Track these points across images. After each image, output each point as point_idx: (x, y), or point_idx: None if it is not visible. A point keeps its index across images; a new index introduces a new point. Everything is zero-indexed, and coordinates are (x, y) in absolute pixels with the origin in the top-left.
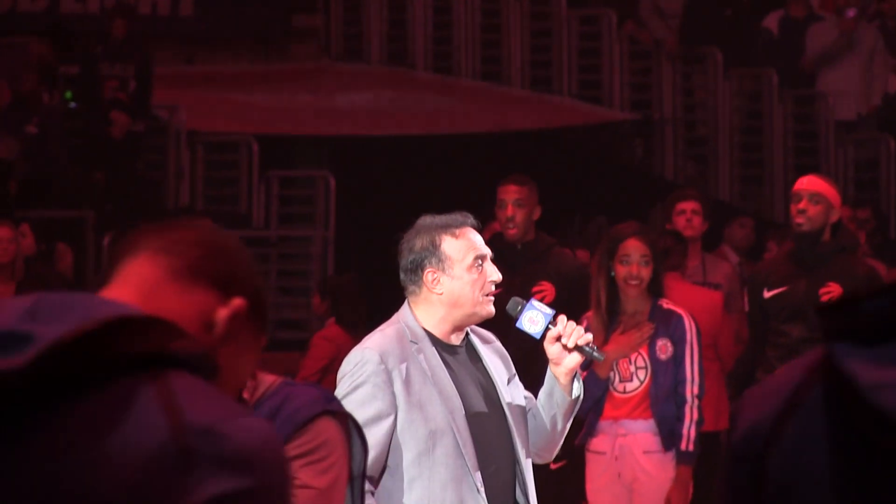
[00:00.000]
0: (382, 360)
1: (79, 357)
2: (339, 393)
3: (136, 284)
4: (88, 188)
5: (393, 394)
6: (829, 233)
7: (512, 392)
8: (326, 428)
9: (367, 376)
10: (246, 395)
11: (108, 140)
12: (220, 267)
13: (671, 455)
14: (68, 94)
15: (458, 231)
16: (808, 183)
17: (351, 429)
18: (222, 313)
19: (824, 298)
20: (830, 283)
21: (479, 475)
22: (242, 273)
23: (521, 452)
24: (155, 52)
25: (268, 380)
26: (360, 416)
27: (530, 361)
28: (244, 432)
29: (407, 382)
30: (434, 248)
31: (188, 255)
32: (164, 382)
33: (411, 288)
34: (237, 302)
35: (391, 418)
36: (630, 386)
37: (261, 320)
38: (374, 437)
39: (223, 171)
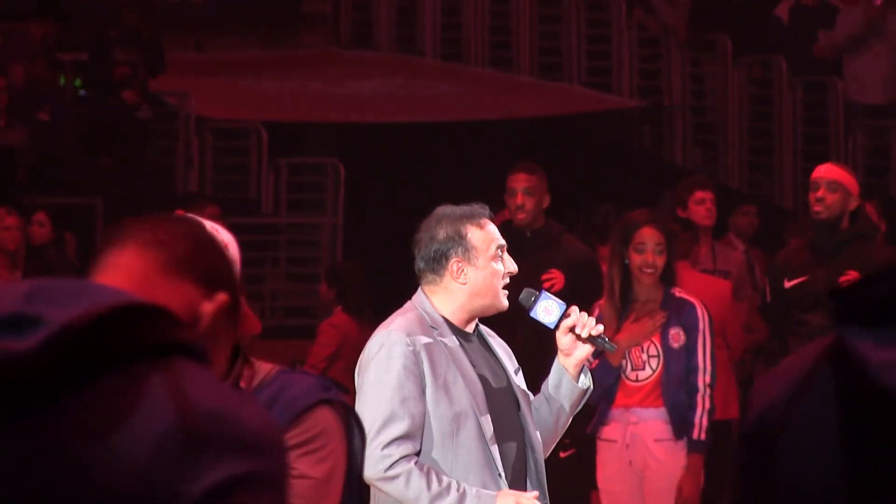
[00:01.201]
0: (410, 342)
1: (88, 342)
2: (370, 375)
3: (126, 275)
4: (97, 175)
5: (422, 374)
6: (847, 220)
7: (519, 382)
8: (324, 417)
9: (396, 357)
10: (243, 384)
11: (116, 124)
12: (206, 262)
13: (682, 443)
14: (78, 82)
15: (481, 222)
16: (825, 171)
17: (349, 418)
18: (208, 308)
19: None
20: (850, 271)
21: (500, 459)
22: (225, 270)
23: (534, 439)
24: (165, 38)
25: (265, 368)
26: (397, 396)
27: (537, 355)
28: (252, 417)
29: (432, 365)
30: (460, 238)
31: (175, 249)
32: (172, 369)
33: (431, 277)
34: (221, 297)
35: (424, 397)
36: (642, 374)
37: (237, 318)
38: (416, 410)
39: (232, 157)
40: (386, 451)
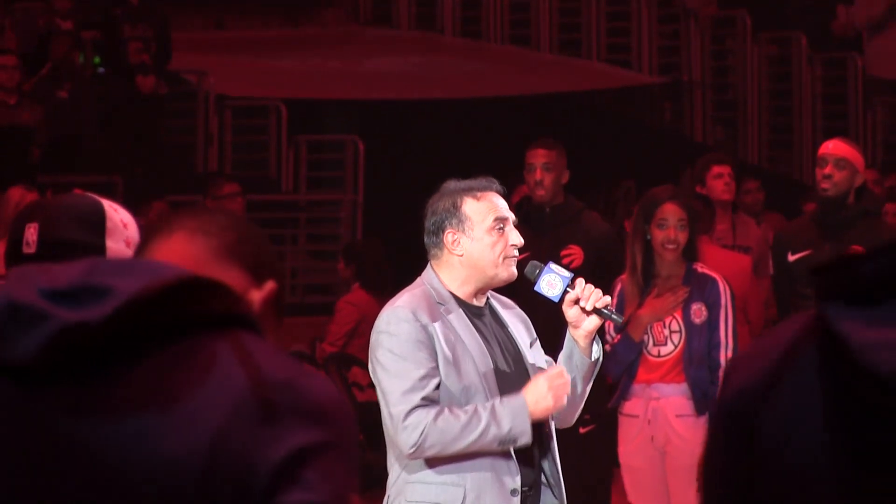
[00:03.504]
0: (416, 318)
1: (157, 312)
2: (383, 352)
3: (178, 260)
4: (117, 153)
5: (434, 348)
6: (853, 196)
7: (534, 355)
8: None
9: (407, 332)
10: None
11: (134, 103)
12: (253, 251)
13: (704, 419)
14: (97, 60)
15: (480, 194)
16: (833, 147)
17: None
18: (257, 294)
19: None
20: (855, 247)
21: None
22: (271, 259)
23: None
24: (183, 16)
25: None
26: (417, 371)
27: (557, 329)
28: (321, 387)
29: (440, 340)
30: (455, 210)
31: (223, 237)
32: (237, 339)
33: (434, 251)
34: (271, 285)
35: (438, 367)
36: (664, 350)
37: (281, 307)
38: (432, 381)
39: (252, 135)
40: (407, 422)
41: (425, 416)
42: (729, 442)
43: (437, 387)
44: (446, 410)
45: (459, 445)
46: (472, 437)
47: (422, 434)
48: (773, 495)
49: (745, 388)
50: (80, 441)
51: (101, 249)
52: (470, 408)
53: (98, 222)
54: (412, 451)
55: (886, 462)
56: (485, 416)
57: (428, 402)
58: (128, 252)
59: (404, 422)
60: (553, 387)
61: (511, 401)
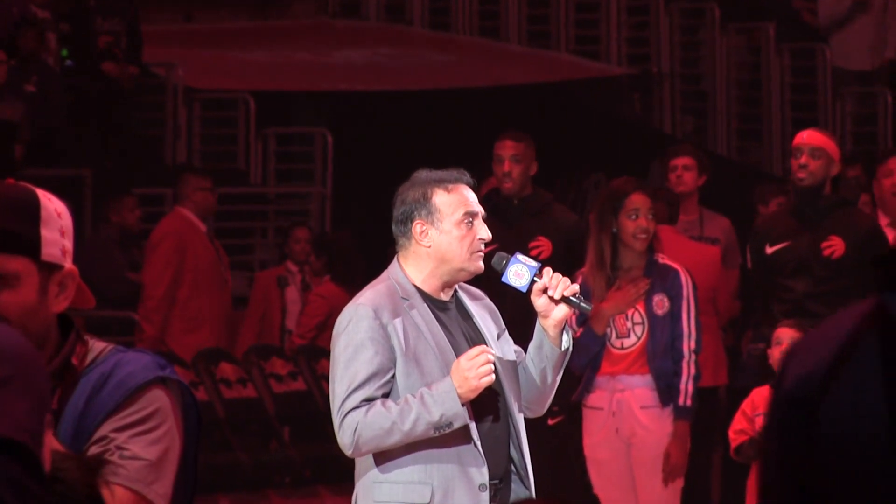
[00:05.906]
0: (377, 315)
1: None
2: (338, 350)
3: None
4: (85, 147)
5: (391, 347)
6: (829, 186)
7: (502, 348)
8: (157, 396)
9: (364, 332)
10: (75, 362)
11: (103, 95)
12: None
13: (668, 410)
14: (64, 52)
15: (451, 186)
16: (808, 137)
17: (185, 397)
18: None
19: (826, 252)
20: (832, 237)
21: (474, 428)
22: None
23: (514, 407)
24: (152, 9)
25: (98, 346)
26: (364, 371)
27: (527, 321)
28: None
29: (401, 337)
30: (425, 201)
31: None
32: None
33: (402, 241)
34: None
35: (392, 372)
36: (627, 342)
37: None
38: (384, 390)
39: (221, 128)
40: (344, 423)
41: (359, 415)
42: (788, 429)
43: (387, 384)
44: (378, 404)
45: (395, 438)
46: (405, 427)
47: (355, 433)
48: (835, 480)
49: (805, 376)
50: None
51: (35, 238)
52: (401, 399)
53: (33, 211)
54: (350, 451)
55: None
56: (415, 405)
57: (368, 402)
58: (62, 241)
59: (342, 424)
60: (472, 365)
61: (438, 386)
